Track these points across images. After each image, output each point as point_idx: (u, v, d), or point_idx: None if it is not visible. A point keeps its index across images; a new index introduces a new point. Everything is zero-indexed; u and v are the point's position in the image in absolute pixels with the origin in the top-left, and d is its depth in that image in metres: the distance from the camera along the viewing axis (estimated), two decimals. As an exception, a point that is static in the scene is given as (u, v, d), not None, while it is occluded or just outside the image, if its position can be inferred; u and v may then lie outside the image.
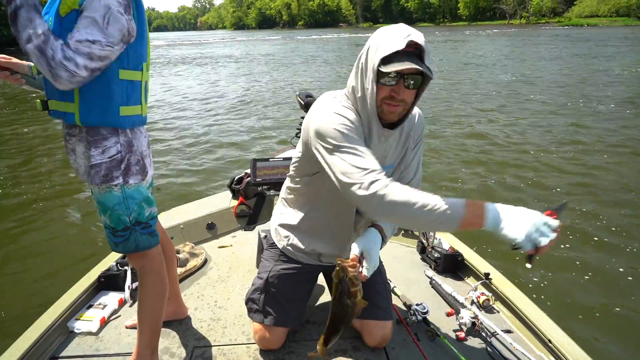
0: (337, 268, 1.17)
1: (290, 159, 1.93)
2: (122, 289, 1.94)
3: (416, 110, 1.47)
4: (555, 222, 1.05)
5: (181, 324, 1.75)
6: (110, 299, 1.87)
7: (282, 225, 1.61)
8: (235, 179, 2.86)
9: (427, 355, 1.50)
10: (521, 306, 1.70)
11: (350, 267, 1.17)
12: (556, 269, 3.06)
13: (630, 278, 2.93)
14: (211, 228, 2.59)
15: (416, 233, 2.38)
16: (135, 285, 1.91)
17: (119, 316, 1.81)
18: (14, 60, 1.36)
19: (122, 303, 1.89)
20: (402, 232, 2.48)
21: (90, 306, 1.82)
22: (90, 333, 1.69)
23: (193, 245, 2.34)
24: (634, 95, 9.52)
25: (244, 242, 2.49)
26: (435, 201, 1.11)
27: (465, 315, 1.66)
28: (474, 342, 1.62)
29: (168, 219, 2.57)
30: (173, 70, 18.97)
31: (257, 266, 2.11)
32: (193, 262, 2.18)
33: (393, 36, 1.17)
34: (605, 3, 67.43)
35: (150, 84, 1.42)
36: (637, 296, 2.75)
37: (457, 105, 9.15)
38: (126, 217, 1.34)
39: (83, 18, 1.14)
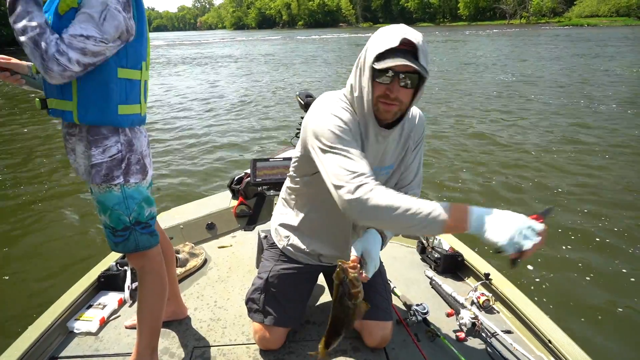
0: (338, 269, 1.16)
1: (290, 159, 1.93)
2: (121, 289, 1.94)
3: (417, 111, 1.47)
4: (540, 226, 1.03)
5: (181, 324, 1.75)
6: (110, 299, 1.87)
7: (282, 225, 1.61)
8: (235, 179, 2.86)
9: (427, 355, 1.50)
10: (521, 307, 1.70)
11: (350, 268, 1.17)
12: (556, 270, 3.06)
13: (631, 279, 2.93)
14: (211, 228, 2.59)
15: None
16: (135, 285, 1.91)
17: (119, 316, 1.81)
18: (14, 60, 1.36)
19: (121, 303, 1.89)
20: (402, 232, 2.48)
21: (90, 306, 1.82)
22: (89, 333, 1.69)
23: (193, 245, 2.34)
24: (635, 96, 9.53)
25: (244, 242, 2.49)
26: (419, 205, 1.10)
27: (466, 316, 1.66)
28: (474, 342, 1.62)
29: (168, 219, 2.57)
30: (173, 70, 18.96)
31: (257, 266, 2.11)
32: (193, 262, 2.17)
33: (388, 34, 1.18)
34: (606, 3, 67.44)
35: (150, 84, 1.42)
36: (638, 297, 2.75)
37: (457, 106, 9.15)
38: (126, 216, 1.34)
39: (80, 14, 1.15)
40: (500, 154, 5.84)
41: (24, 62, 1.36)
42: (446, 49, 25.59)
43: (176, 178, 5.34)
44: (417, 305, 1.72)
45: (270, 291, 1.59)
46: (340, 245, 1.53)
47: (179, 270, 2.07)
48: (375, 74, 1.20)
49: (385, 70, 1.18)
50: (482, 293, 1.83)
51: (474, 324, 1.64)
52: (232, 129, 7.91)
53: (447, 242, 2.22)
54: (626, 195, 4.32)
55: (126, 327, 1.72)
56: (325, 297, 1.93)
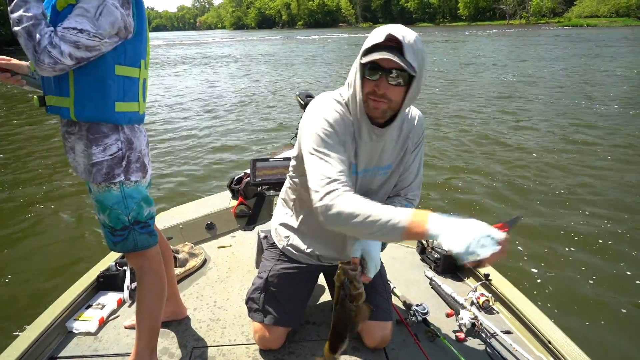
0: (338, 271, 1.16)
1: (290, 159, 1.93)
2: (121, 289, 1.93)
3: (416, 112, 1.47)
4: (500, 235, 1.00)
5: (180, 324, 1.74)
6: (109, 299, 1.87)
7: (283, 225, 1.61)
8: (235, 179, 2.85)
9: (427, 355, 1.50)
10: (521, 307, 1.70)
11: (351, 269, 1.16)
12: (556, 270, 3.06)
13: (631, 280, 2.93)
14: (210, 228, 2.59)
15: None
16: (134, 285, 1.91)
17: (118, 316, 1.81)
18: (14, 61, 1.36)
19: (121, 303, 1.89)
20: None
21: (89, 306, 1.82)
22: (89, 333, 1.68)
23: (192, 245, 2.34)
24: (637, 96, 9.52)
25: (244, 242, 2.49)
26: (379, 212, 1.10)
27: (465, 316, 1.66)
28: (474, 342, 1.62)
29: (167, 219, 2.57)
30: (172, 70, 18.95)
31: (257, 266, 2.11)
32: (192, 262, 2.17)
33: (377, 32, 1.19)
34: (605, 3, 67.49)
35: (149, 84, 1.42)
36: (638, 298, 2.75)
37: (458, 106, 9.14)
38: (125, 216, 1.34)
39: (77, 8, 1.15)
40: (502, 155, 5.84)
41: (24, 63, 1.36)
42: (446, 49, 25.59)
43: (176, 178, 5.34)
44: (417, 305, 1.72)
45: (270, 291, 1.59)
46: (338, 247, 1.53)
47: (178, 270, 2.07)
48: (366, 71, 1.21)
49: (374, 67, 1.19)
50: (482, 293, 1.83)
51: (473, 325, 1.64)
52: (232, 129, 7.91)
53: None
54: (628, 195, 4.32)
55: (125, 327, 1.72)
56: (326, 297, 1.93)
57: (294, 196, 1.55)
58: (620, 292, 2.81)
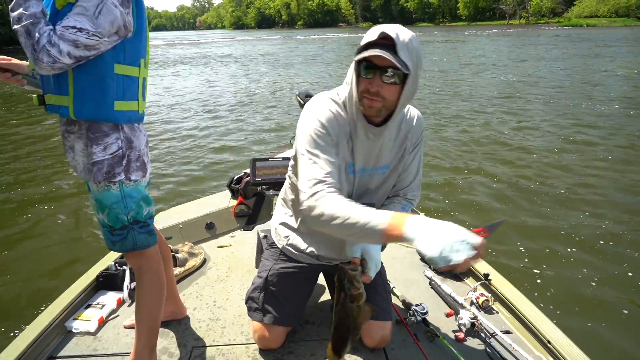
0: (338, 271, 1.16)
1: (289, 159, 1.93)
2: (120, 289, 1.93)
3: (415, 113, 1.47)
4: (476, 240, 0.98)
5: (180, 324, 1.74)
6: (109, 299, 1.87)
7: (283, 225, 1.61)
8: (235, 178, 2.85)
9: (426, 355, 1.50)
10: (520, 307, 1.70)
11: (351, 269, 1.16)
12: (556, 270, 3.06)
13: (632, 280, 2.93)
14: (210, 228, 2.59)
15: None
16: (133, 285, 1.91)
17: (118, 316, 1.81)
18: (14, 61, 1.35)
19: (120, 303, 1.89)
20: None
21: (89, 306, 1.82)
22: (88, 333, 1.68)
23: (192, 245, 2.34)
24: (638, 96, 9.51)
25: (243, 242, 2.48)
26: (358, 215, 1.11)
27: (465, 316, 1.66)
28: (473, 342, 1.62)
29: (167, 218, 2.57)
30: (172, 70, 18.94)
31: (257, 266, 2.11)
32: (192, 262, 2.17)
33: (372, 30, 1.20)
34: (605, 3, 67.50)
35: (149, 83, 1.42)
36: (638, 297, 2.75)
37: (458, 106, 9.14)
38: (124, 215, 1.34)
39: (76, 6, 1.15)
40: (502, 154, 5.83)
41: (24, 62, 1.36)
42: (446, 49, 25.60)
43: (175, 178, 5.34)
44: (417, 305, 1.72)
45: (269, 290, 1.59)
46: (337, 247, 1.53)
47: (178, 270, 2.07)
48: (362, 70, 1.22)
49: (369, 65, 1.19)
50: (482, 293, 1.83)
51: (473, 324, 1.64)
52: (232, 128, 7.90)
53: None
54: (628, 196, 4.31)
55: (125, 327, 1.72)
56: (326, 297, 1.93)
57: (293, 196, 1.55)
58: (621, 292, 2.81)
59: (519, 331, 1.67)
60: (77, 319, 1.72)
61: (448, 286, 1.92)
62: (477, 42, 32.26)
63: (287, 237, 1.59)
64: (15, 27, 1.12)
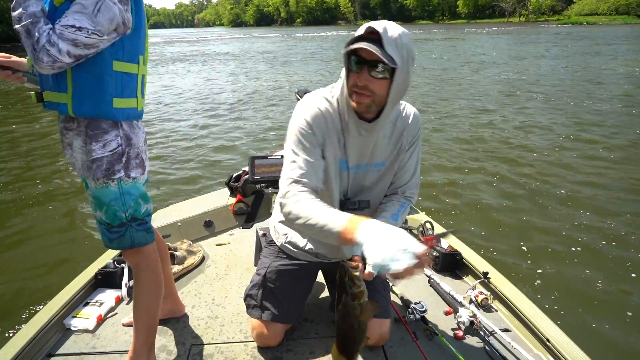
0: (339, 270, 1.15)
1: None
2: (119, 287, 1.93)
3: (411, 110, 1.46)
4: (418, 249, 0.97)
5: (178, 321, 1.74)
6: (107, 297, 1.87)
7: (281, 223, 1.61)
8: (233, 176, 2.85)
9: (425, 353, 1.50)
10: (519, 305, 1.70)
11: (352, 267, 1.15)
12: (555, 268, 3.06)
13: (632, 279, 2.93)
14: (209, 226, 2.58)
15: (414, 232, 2.37)
16: (132, 282, 1.90)
17: (116, 314, 1.80)
18: (14, 58, 1.35)
19: (119, 300, 1.88)
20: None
21: (87, 303, 1.81)
22: (86, 330, 1.68)
23: (190, 243, 2.33)
24: (639, 94, 9.51)
25: (242, 240, 2.48)
26: (320, 216, 1.16)
27: (464, 314, 1.66)
28: (472, 340, 1.62)
29: (165, 216, 2.56)
30: (170, 68, 18.88)
31: (255, 264, 2.11)
32: (190, 260, 2.17)
33: (362, 26, 1.22)
34: (605, 1, 67.51)
35: (147, 81, 1.41)
36: (637, 296, 2.75)
37: (459, 104, 9.13)
38: (122, 213, 1.33)
39: (75, 4, 1.14)
40: (503, 153, 5.83)
41: (23, 60, 1.35)
42: (446, 47, 25.56)
43: (174, 176, 5.33)
44: (416, 303, 1.72)
45: (267, 287, 1.59)
46: (332, 245, 1.52)
47: (176, 268, 2.06)
48: (351, 64, 1.22)
49: (358, 60, 1.20)
50: (481, 291, 1.83)
51: (472, 323, 1.64)
52: (231, 127, 7.89)
53: (446, 240, 2.22)
54: (629, 195, 4.31)
55: (123, 325, 1.72)
56: (325, 294, 1.93)
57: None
58: (620, 291, 2.82)
59: (518, 329, 1.68)
60: (75, 317, 1.72)
61: (447, 284, 1.92)
62: (477, 39, 32.22)
63: (285, 234, 1.59)
64: (16, 26, 1.12)
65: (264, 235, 1.98)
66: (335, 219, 1.13)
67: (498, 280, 1.88)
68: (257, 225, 2.59)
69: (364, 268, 1.21)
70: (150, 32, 1.39)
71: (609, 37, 30.28)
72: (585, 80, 11.64)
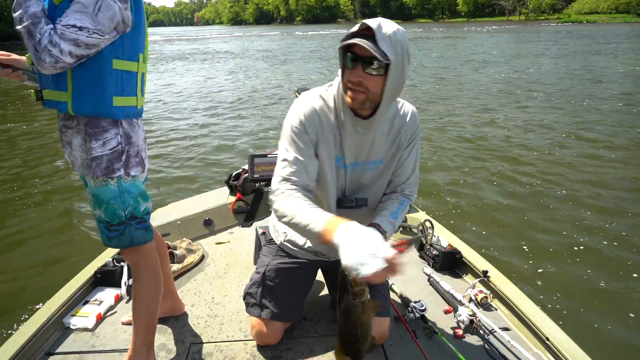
0: (341, 269, 1.14)
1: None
2: (118, 285, 1.93)
3: (409, 108, 1.46)
4: (387, 254, 0.98)
5: (178, 320, 1.74)
6: (107, 295, 1.86)
7: (281, 222, 1.60)
8: (233, 175, 2.84)
9: (424, 352, 1.50)
10: (519, 304, 1.70)
11: None
12: (555, 267, 3.06)
13: (632, 278, 2.93)
14: (208, 224, 2.58)
15: (414, 230, 2.37)
16: (131, 281, 1.90)
17: (115, 312, 1.80)
18: (14, 56, 1.34)
19: (118, 299, 1.88)
20: (401, 229, 2.48)
21: (87, 302, 1.81)
22: (86, 329, 1.68)
23: (190, 241, 2.33)
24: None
25: (242, 238, 2.48)
26: (303, 216, 1.19)
27: (463, 313, 1.66)
28: (472, 339, 1.62)
29: (165, 215, 2.56)
30: (170, 66, 18.85)
31: (255, 263, 2.10)
32: (190, 259, 2.17)
33: (358, 24, 1.23)
34: (605, 0, 67.41)
35: (146, 79, 1.41)
36: (636, 295, 2.75)
37: (459, 103, 9.12)
38: (121, 211, 1.33)
39: (75, 3, 1.14)
40: (504, 152, 5.82)
41: (23, 57, 1.35)
42: (446, 46, 25.54)
43: (173, 174, 5.32)
44: (415, 302, 1.72)
45: (267, 285, 1.59)
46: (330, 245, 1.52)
47: (176, 267, 2.06)
48: (347, 61, 1.23)
49: (353, 57, 1.20)
50: (480, 290, 1.82)
51: (471, 321, 1.64)
52: (230, 125, 7.88)
53: (446, 239, 2.22)
54: (631, 194, 4.30)
55: (123, 323, 1.72)
56: (324, 293, 1.93)
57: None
58: (619, 290, 2.82)
59: (518, 328, 1.68)
60: (75, 315, 1.72)
61: (447, 283, 1.92)
62: (477, 38, 32.19)
63: (285, 233, 1.59)
64: (18, 27, 1.11)
65: (264, 233, 1.98)
66: (317, 220, 1.14)
67: (498, 279, 1.88)
68: (257, 224, 2.59)
69: None
70: (149, 30, 1.39)
71: (609, 35, 30.25)
72: (586, 79, 11.63)
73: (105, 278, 1.94)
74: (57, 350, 1.56)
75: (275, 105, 9.46)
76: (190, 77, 14.87)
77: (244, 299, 1.64)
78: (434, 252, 2.13)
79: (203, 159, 5.93)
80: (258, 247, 2.07)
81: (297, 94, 2.73)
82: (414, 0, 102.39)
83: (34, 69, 1.35)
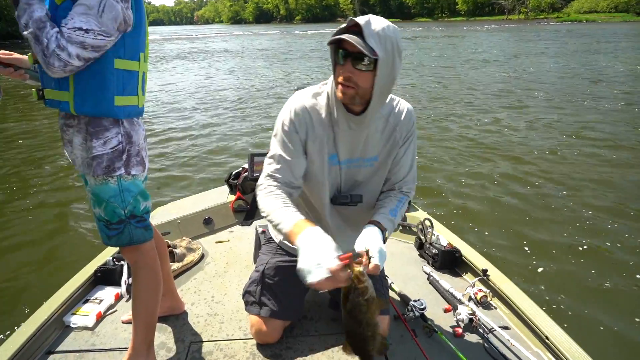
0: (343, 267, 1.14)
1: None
2: (118, 284, 1.93)
3: (404, 106, 1.46)
4: (330, 265, 1.04)
5: (178, 319, 1.74)
6: (107, 294, 1.87)
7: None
8: (233, 173, 2.84)
9: (424, 351, 1.50)
10: (518, 303, 1.70)
11: (355, 263, 1.15)
12: (555, 266, 3.07)
13: (631, 278, 2.93)
14: (208, 223, 2.58)
15: (414, 229, 2.37)
16: (131, 280, 1.90)
17: (115, 311, 1.80)
18: (16, 55, 1.34)
19: (118, 298, 1.88)
20: (400, 228, 2.48)
21: (87, 301, 1.81)
22: (86, 328, 1.68)
23: (190, 240, 2.33)
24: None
25: (241, 237, 2.48)
26: (276, 214, 1.25)
27: (463, 312, 1.66)
28: (471, 338, 1.62)
29: (165, 213, 2.56)
30: (169, 65, 18.83)
31: (255, 261, 2.11)
32: (190, 257, 2.17)
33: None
34: (604, -1, 67.44)
35: (147, 79, 1.41)
36: (636, 295, 2.75)
37: (459, 102, 9.11)
38: (121, 210, 1.33)
39: (78, 5, 1.14)
40: (503, 150, 5.82)
41: (24, 57, 1.35)
42: (445, 45, 25.51)
43: (173, 173, 5.32)
44: (415, 301, 1.72)
45: (266, 283, 1.59)
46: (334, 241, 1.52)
47: (176, 265, 2.06)
48: (337, 57, 1.24)
49: (344, 54, 1.21)
50: (480, 289, 1.83)
51: (471, 320, 1.64)
52: (230, 124, 7.88)
53: (445, 238, 2.22)
54: (630, 193, 4.30)
55: (123, 322, 1.72)
56: (324, 292, 1.93)
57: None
58: (619, 289, 2.82)
59: (517, 327, 1.68)
60: (75, 314, 1.72)
61: (446, 282, 1.92)
62: (477, 37, 32.16)
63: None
64: (24, 33, 1.12)
65: (263, 232, 1.98)
66: (286, 220, 1.21)
67: (497, 277, 1.88)
68: (257, 223, 2.59)
69: (369, 262, 1.20)
70: (149, 29, 1.39)
71: (608, 34, 30.24)
72: (586, 78, 11.63)
73: (105, 277, 1.94)
74: (58, 349, 1.57)
75: (276, 104, 9.44)
76: (190, 76, 14.85)
77: (243, 297, 1.64)
78: (433, 251, 2.14)
79: (203, 157, 5.93)
80: (258, 246, 2.07)
81: (297, 93, 2.73)
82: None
83: (36, 67, 1.35)
